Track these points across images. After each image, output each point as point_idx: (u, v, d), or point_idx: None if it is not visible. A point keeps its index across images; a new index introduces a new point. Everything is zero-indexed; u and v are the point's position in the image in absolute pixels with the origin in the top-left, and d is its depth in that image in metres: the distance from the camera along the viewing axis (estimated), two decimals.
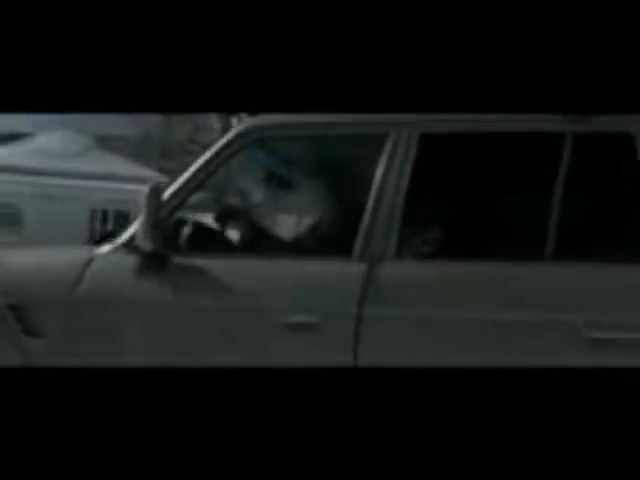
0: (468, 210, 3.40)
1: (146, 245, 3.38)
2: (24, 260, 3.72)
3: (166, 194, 3.56)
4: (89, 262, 3.58)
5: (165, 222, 3.51)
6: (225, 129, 21.29)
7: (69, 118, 23.01)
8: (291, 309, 3.28)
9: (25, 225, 27.53)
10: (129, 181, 21.05)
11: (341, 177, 3.69)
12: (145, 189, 3.28)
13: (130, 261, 3.48)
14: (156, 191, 3.38)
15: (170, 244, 3.51)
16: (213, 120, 21.72)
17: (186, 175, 3.61)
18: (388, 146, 3.38)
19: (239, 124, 3.58)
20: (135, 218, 3.50)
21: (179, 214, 3.61)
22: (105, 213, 23.60)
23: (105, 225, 22.27)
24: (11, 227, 27.91)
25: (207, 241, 3.66)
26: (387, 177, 3.36)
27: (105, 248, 3.63)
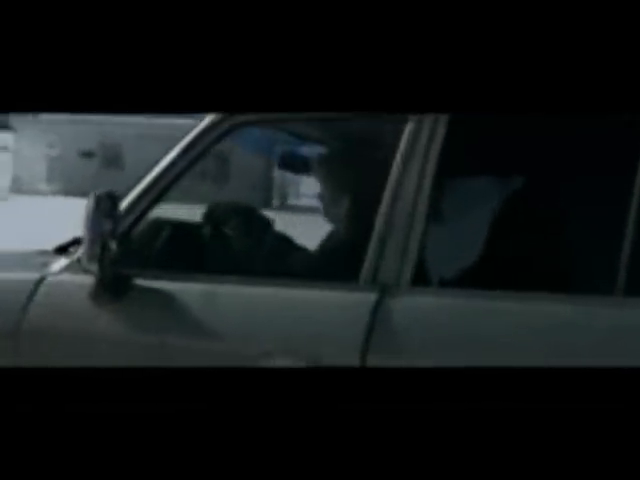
0: (512, 223, 2.52)
1: (92, 267, 2.66)
2: None
3: (129, 198, 2.82)
4: (39, 283, 2.87)
5: (129, 232, 2.78)
6: None
7: None
8: (277, 351, 2.52)
9: (127, 166, 27.38)
10: None
11: (345, 176, 2.87)
12: None
13: (84, 283, 2.77)
14: (105, 200, 2.64)
15: (135, 258, 2.78)
16: None
17: (156, 171, 2.86)
18: (407, 134, 2.55)
19: None
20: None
21: (151, 217, 2.87)
22: None
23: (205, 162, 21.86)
24: (114, 167, 27.86)
25: (189, 250, 2.90)
26: (404, 176, 2.53)
27: (60, 263, 2.91)
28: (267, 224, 3.11)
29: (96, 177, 25.86)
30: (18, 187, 25.26)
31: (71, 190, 26.52)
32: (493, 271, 2.48)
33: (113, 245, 2.65)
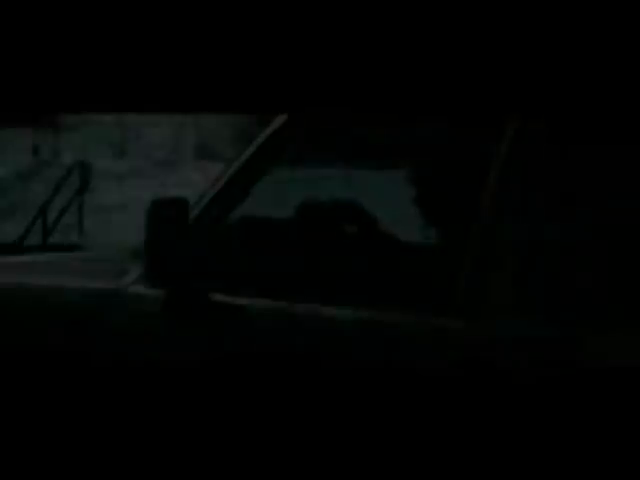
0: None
1: (153, 284, 2.40)
2: (37, 293, 2.81)
3: (202, 202, 2.53)
4: (111, 296, 2.64)
5: (202, 241, 2.51)
6: None
7: None
8: None
9: None
10: None
11: (434, 182, 2.47)
12: None
13: (154, 297, 2.51)
14: (170, 206, 2.37)
15: (208, 271, 2.49)
16: None
17: (232, 170, 2.56)
18: (507, 137, 2.15)
19: None
20: None
21: (229, 221, 2.56)
22: None
23: None
24: None
25: (272, 259, 2.58)
26: (504, 184, 2.14)
27: (136, 272, 2.66)
28: (371, 223, 2.71)
29: None
30: (200, 153, 25.82)
31: None
32: (609, 304, 2.06)
33: (182, 257, 2.38)
